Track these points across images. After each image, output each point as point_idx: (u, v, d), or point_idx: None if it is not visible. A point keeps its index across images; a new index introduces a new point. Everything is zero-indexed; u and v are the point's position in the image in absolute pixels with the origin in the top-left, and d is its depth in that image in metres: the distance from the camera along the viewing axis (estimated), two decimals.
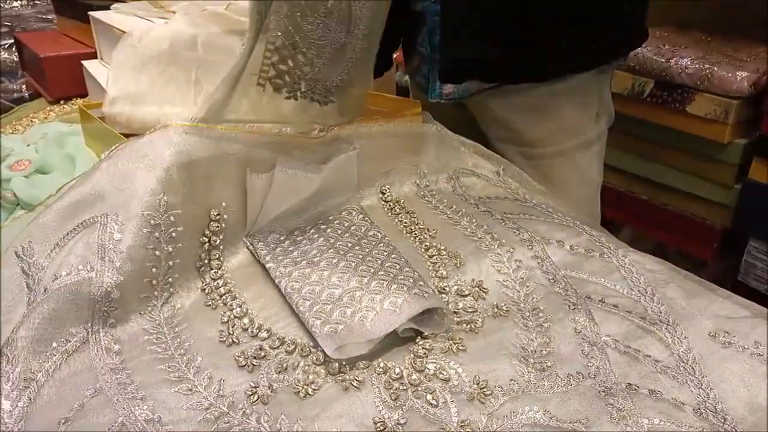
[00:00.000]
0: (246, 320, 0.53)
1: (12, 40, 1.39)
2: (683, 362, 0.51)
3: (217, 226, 0.58)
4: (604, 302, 0.58)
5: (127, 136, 0.74)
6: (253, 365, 0.48)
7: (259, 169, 0.60)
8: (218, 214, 0.58)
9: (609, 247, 0.66)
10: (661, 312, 0.56)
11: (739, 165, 1.16)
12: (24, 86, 1.44)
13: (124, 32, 0.84)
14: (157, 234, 0.53)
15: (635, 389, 0.48)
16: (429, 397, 0.46)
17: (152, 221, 0.53)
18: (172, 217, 0.54)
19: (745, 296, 0.62)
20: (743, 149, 1.14)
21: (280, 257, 0.59)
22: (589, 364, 0.51)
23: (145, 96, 0.76)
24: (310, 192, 0.63)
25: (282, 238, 0.62)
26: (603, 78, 0.88)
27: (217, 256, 0.58)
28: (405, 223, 0.70)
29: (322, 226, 0.64)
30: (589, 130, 0.89)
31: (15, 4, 1.62)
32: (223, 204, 0.59)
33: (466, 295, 0.59)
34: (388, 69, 0.95)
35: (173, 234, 0.54)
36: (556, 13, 0.77)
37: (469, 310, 0.57)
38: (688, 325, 0.54)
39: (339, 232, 0.63)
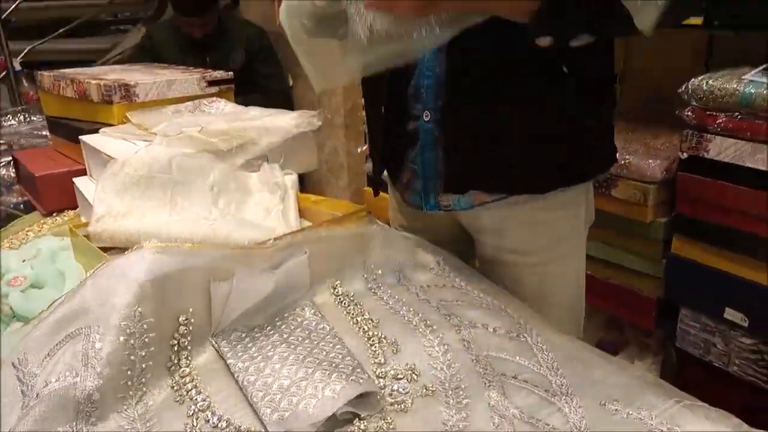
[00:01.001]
0: (208, 412, 0.61)
1: (10, 158, 1.50)
2: (578, 430, 0.60)
3: (185, 330, 0.67)
4: (516, 378, 0.67)
5: (109, 249, 0.84)
6: None
7: (221, 277, 0.69)
8: (186, 319, 0.67)
9: (526, 327, 0.76)
10: (562, 385, 0.65)
11: (663, 241, 1.28)
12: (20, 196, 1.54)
13: (111, 157, 0.95)
14: (132, 341, 0.62)
15: None
16: None
17: (128, 330, 0.62)
18: (145, 326, 0.63)
19: (684, 362, 0.71)
20: (665, 227, 1.26)
21: (240, 353, 0.67)
22: (496, 425, 0.60)
23: (127, 215, 0.86)
24: (266, 294, 0.72)
25: (243, 335, 0.71)
26: (588, 188, 0.94)
27: (186, 355, 0.67)
28: (352, 314, 0.79)
29: (278, 323, 0.73)
30: (578, 237, 0.94)
31: (12, 121, 1.75)
32: (190, 310, 0.68)
33: (400, 379, 0.68)
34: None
35: (146, 340, 0.63)
36: (551, 131, 0.83)
37: (402, 392, 0.65)
38: (583, 395, 0.63)
39: (292, 327, 0.72)
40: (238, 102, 2.16)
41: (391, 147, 0.93)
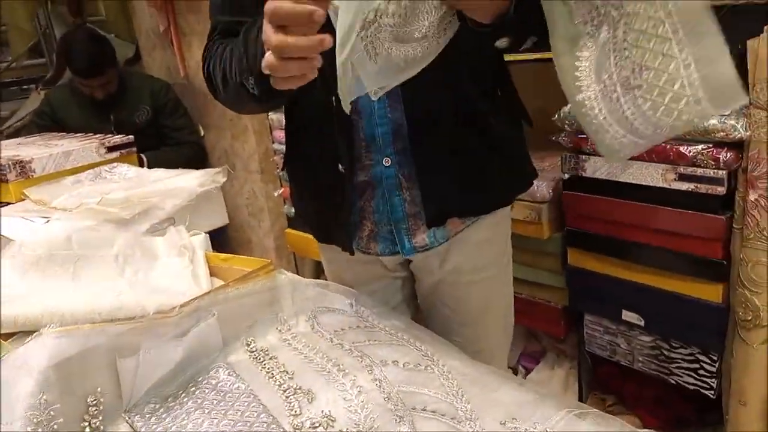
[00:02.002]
0: None
1: None
2: None
3: (95, 410, 0.67)
4: (425, 410, 0.70)
5: (13, 334, 0.82)
6: None
7: (127, 352, 0.69)
8: (95, 399, 0.67)
9: (433, 358, 0.80)
10: (467, 410, 0.69)
11: (561, 254, 1.36)
12: None
13: (9, 238, 0.93)
14: (40, 429, 0.61)
15: None
16: None
17: (35, 419, 0.61)
18: (52, 412, 0.62)
19: (597, 363, 0.77)
20: (561, 241, 1.35)
21: (154, 426, 0.67)
22: None
23: (28, 297, 0.84)
24: (175, 362, 0.72)
25: (157, 406, 0.71)
26: None
27: None
28: (268, 368, 0.80)
29: (191, 389, 0.73)
30: (510, 249, 1.05)
31: None
32: (99, 389, 0.67)
33: (317, 427, 0.70)
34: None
35: (55, 426, 0.62)
36: (500, 152, 0.91)
37: None
38: (485, 417, 0.67)
39: (206, 391, 0.73)
40: (149, 157, 2.15)
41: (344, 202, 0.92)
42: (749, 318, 1.07)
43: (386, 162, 0.87)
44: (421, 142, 0.86)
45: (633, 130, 0.56)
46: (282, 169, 1.07)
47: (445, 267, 0.98)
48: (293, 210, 1.99)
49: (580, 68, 0.57)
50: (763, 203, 1.02)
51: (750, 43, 1.02)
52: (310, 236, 1.71)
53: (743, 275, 1.07)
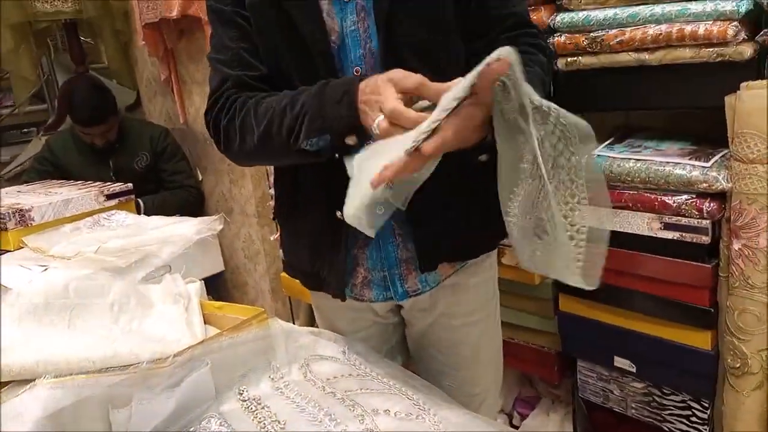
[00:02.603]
0: None
1: None
2: None
3: None
4: None
5: (8, 383, 0.82)
6: None
7: (120, 403, 0.70)
8: None
9: (424, 407, 0.81)
10: None
11: (552, 299, 1.38)
12: None
13: (6, 287, 0.95)
14: None
15: None
16: None
17: None
18: None
19: (591, 409, 0.78)
20: (552, 287, 1.36)
21: None
22: None
23: (25, 345, 0.85)
24: (167, 413, 0.73)
25: None
26: None
27: None
28: (260, 419, 0.81)
29: None
30: (497, 292, 1.08)
31: None
32: None
33: None
34: None
35: None
36: (484, 200, 0.91)
37: None
38: None
39: None
40: (146, 202, 2.17)
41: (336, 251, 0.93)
42: (738, 365, 1.08)
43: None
44: (419, 191, 0.87)
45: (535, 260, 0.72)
46: (274, 218, 1.08)
47: (436, 311, 1.01)
48: None
49: (512, 197, 0.71)
50: (746, 253, 1.05)
51: (727, 99, 1.06)
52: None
53: (730, 323, 1.08)
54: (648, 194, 1.17)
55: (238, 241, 2.54)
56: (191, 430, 0.75)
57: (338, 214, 0.90)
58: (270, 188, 2.21)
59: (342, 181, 0.88)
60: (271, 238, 2.24)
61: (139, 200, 2.02)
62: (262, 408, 0.83)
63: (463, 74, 0.73)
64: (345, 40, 0.86)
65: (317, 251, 0.98)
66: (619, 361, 1.27)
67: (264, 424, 0.80)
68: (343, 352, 0.95)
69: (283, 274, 2.25)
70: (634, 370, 1.26)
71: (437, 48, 0.87)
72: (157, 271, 1.06)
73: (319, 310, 1.11)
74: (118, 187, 1.34)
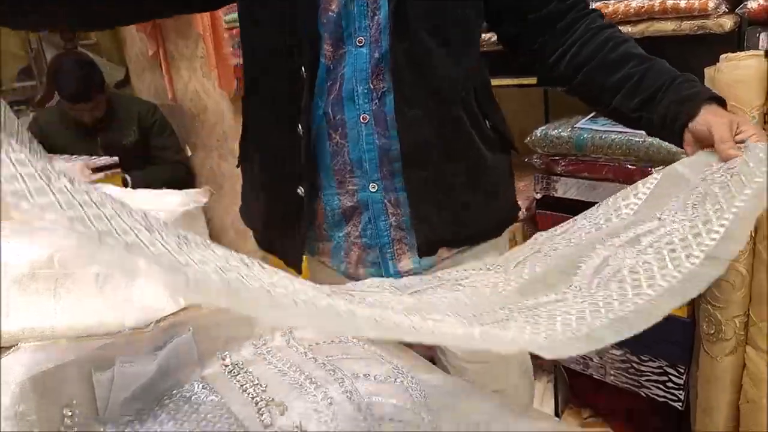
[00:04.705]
0: None
1: None
2: None
3: (71, 421, 0.68)
4: (392, 420, 0.73)
5: None
6: None
7: (102, 366, 0.71)
8: (71, 411, 0.69)
9: (403, 371, 0.82)
10: (431, 420, 0.72)
11: None
12: None
13: None
14: None
15: None
16: None
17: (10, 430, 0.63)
18: (28, 423, 0.64)
19: (572, 377, 0.78)
20: None
21: None
22: None
23: (9, 315, 0.85)
24: (150, 376, 0.74)
25: (132, 419, 0.72)
26: None
27: None
28: (241, 383, 0.82)
29: (166, 401, 0.75)
30: None
31: None
32: (74, 401, 0.69)
33: None
34: None
35: None
36: (492, 180, 0.93)
37: None
38: (450, 426, 0.70)
39: (180, 404, 0.74)
40: (134, 177, 2.17)
41: (317, 227, 0.92)
42: (712, 332, 1.10)
43: (372, 187, 0.87)
44: (412, 170, 0.86)
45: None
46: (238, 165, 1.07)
47: None
48: None
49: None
50: None
51: (707, 71, 1.07)
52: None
53: (706, 291, 1.10)
54: (630, 166, 1.18)
55: (228, 218, 2.54)
56: (173, 392, 0.77)
57: (299, 191, 0.88)
58: None
59: (309, 156, 0.86)
60: None
61: (127, 176, 2.02)
62: (244, 372, 0.84)
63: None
64: (348, 8, 0.82)
65: (272, 220, 0.96)
66: None
67: (245, 387, 0.81)
68: None
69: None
70: None
71: (451, 24, 0.84)
72: None
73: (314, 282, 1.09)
74: (103, 160, 1.34)
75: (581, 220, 0.79)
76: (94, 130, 2.31)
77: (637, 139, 1.15)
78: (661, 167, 0.84)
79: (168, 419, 0.71)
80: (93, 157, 1.35)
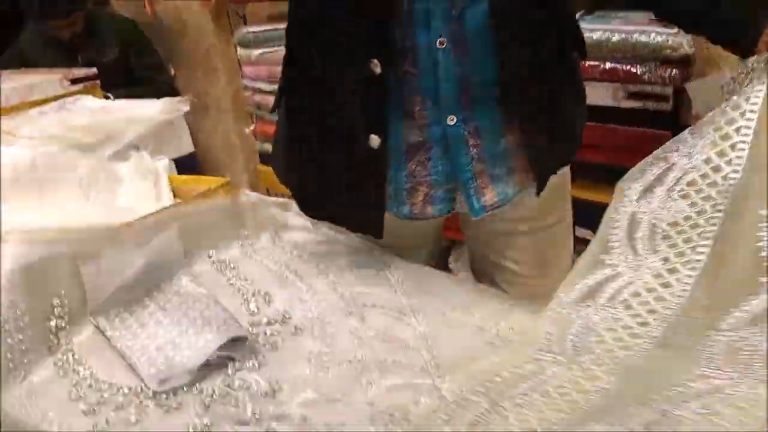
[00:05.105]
0: (91, 380, 0.65)
1: None
2: (423, 338, 0.69)
3: (61, 311, 0.70)
4: (375, 306, 0.75)
5: None
6: (94, 410, 0.60)
7: (89, 259, 0.73)
8: (60, 301, 0.70)
9: (386, 263, 0.85)
10: (411, 305, 0.74)
11: None
12: None
13: None
14: (7, 327, 0.65)
15: (383, 361, 0.65)
16: (232, 401, 0.61)
17: (1, 318, 0.65)
18: (18, 311, 0.66)
19: None
20: None
21: (118, 326, 0.71)
22: (357, 353, 0.67)
23: None
24: (137, 270, 0.76)
25: (121, 310, 0.74)
26: None
27: (65, 335, 0.70)
28: (228, 277, 0.84)
29: (154, 293, 0.77)
30: (570, 203, 0.96)
31: None
32: (63, 292, 0.71)
33: (273, 324, 0.74)
34: None
35: (21, 324, 0.66)
36: (571, 104, 0.86)
37: (275, 334, 0.72)
38: (427, 310, 0.72)
39: (168, 295, 0.76)
40: (117, 95, 2.12)
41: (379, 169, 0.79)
42: None
43: (451, 120, 0.77)
44: (509, 95, 0.77)
45: None
46: (273, 111, 0.90)
47: (510, 216, 0.88)
48: (267, 147, 2.00)
49: None
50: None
51: None
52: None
53: None
54: (615, 64, 1.17)
55: (215, 138, 2.52)
56: (162, 285, 0.79)
57: (374, 140, 0.75)
58: (243, 79, 2.16)
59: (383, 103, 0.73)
60: (246, 131, 2.23)
61: (109, 95, 1.98)
62: (232, 268, 0.86)
63: None
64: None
65: (337, 180, 0.83)
66: (580, 231, 1.31)
67: (232, 281, 0.83)
68: (312, 222, 0.98)
69: (260, 167, 2.27)
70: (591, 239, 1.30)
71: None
72: (124, 149, 1.06)
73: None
74: (83, 72, 1.31)
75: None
76: (73, 48, 2.24)
77: (623, 36, 1.13)
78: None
79: (156, 309, 0.73)
80: (71, 69, 1.32)
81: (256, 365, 0.66)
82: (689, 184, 0.59)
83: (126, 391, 0.63)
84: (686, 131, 0.60)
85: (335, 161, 0.81)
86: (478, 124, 0.78)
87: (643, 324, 0.55)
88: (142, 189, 0.99)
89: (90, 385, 0.64)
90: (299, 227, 0.96)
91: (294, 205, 1.00)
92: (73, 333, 0.71)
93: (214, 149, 2.51)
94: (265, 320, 0.74)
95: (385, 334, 0.70)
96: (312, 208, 0.90)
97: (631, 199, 0.61)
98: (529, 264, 0.93)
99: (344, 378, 0.63)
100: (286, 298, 0.79)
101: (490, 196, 0.83)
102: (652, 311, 0.56)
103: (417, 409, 0.57)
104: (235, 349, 0.67)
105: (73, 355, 0.68)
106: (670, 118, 1.14)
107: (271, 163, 0.94)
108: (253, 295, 0.79)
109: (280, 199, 1.02)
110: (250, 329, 0.71)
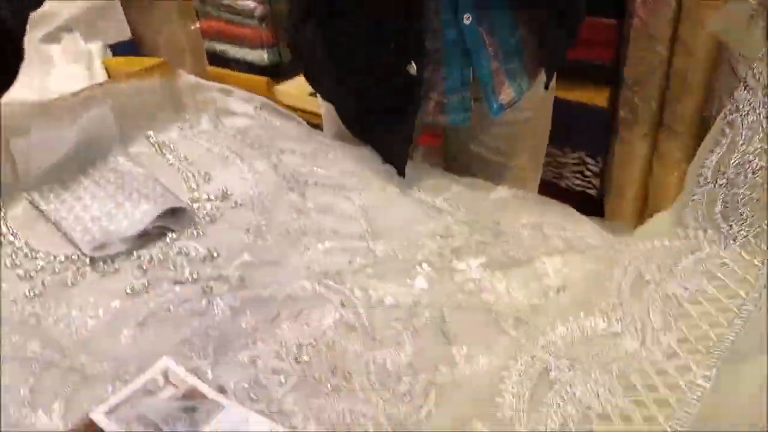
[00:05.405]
0: (27, 249, 0.65)
1: None
2: (362, 208, 0.70)
3: None
4: (317, 183, 0.76)
5: None
6: (31, 276, 0.61)
7: (19, 134, 0.70)
8: None
9: (327, 143, 0.85)
10: (352, 183, 0.75)
11: None
12: None
13: None
14: None
15: (322, 230, 0.66)
16: (170, 265, 0.62)
17: None
18: None
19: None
20: None
21: (52, 200, 0.70)
22: (296, 223, 0.69)
23: None
24: (70, 145, 0.74)
25: (56, 186, 0.73)
26: None
27: None
28: (168, 158, 0.83)
29: (89, 170, 0.75)
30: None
31: None
32: None
33: (213, 200, 0.74)
34: None
35: None
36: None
37: (215, 209, 0.72)
38: (369, 187, 0.74)
39: (104, 172, 0.75)
40: None
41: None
42: (630, 117, 1.15)
43: (467, 19, 0.75)
44: None
45: None
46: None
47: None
48: (214, 46, 1.92)
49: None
50: (649, 4, 1.06)
51: None
52: (233, 71, 1.63)
53: (627, 75, 1.13)
54: None
55: (160, 38, 2.40)
56: (97, 164, 0.77)
57: (411, 68, 0.73)
58: None
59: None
60: (192, 28, 2.12)
61: None
62: (171, 150, 0.85)
63: None
64: None
65: (374, 101, 0.82)
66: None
67: (171, 161, 0.82)
68: (255, 107, 0.96)
69: (210, 68, 2.18)
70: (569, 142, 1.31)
71: None
72: (56, 31, 1.00)
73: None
74: None
75: None
76: None
77: None
78: None
79: (92, 184, 0.72)
80: None
81: (195, 234, 0.67)
82: None
83: (62, 258, 0.63)
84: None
85: (375, 87, 0.80)
86: (493, 20, 0.77)
87: None
88: (75, 72, 0.95)
89: (26, 255, 0.64)
90: (241, 113, 0.95)
91: (237, 91, 0.98)
92: (8, 209, 0.70)
93: (159, 51, 2.40)
94: (204, 196, 0.75)
95: (325, 207, 0.71)
96: (354, 129, 0.88)
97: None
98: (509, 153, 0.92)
99: (281, 244, 0.65)
100: (226, 177, 0.78)
101: (506, 94, 0.82)
102: None
103: (351, 267, 0.60)
104: (175, 222, 0.68)
105: (7, 230, 0.67)
106: (617, 5, 1.13)
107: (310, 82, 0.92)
108: (194, 175, 0.79)
109: (222, 84, 0.99)
110: (189, 204, 0.71)
